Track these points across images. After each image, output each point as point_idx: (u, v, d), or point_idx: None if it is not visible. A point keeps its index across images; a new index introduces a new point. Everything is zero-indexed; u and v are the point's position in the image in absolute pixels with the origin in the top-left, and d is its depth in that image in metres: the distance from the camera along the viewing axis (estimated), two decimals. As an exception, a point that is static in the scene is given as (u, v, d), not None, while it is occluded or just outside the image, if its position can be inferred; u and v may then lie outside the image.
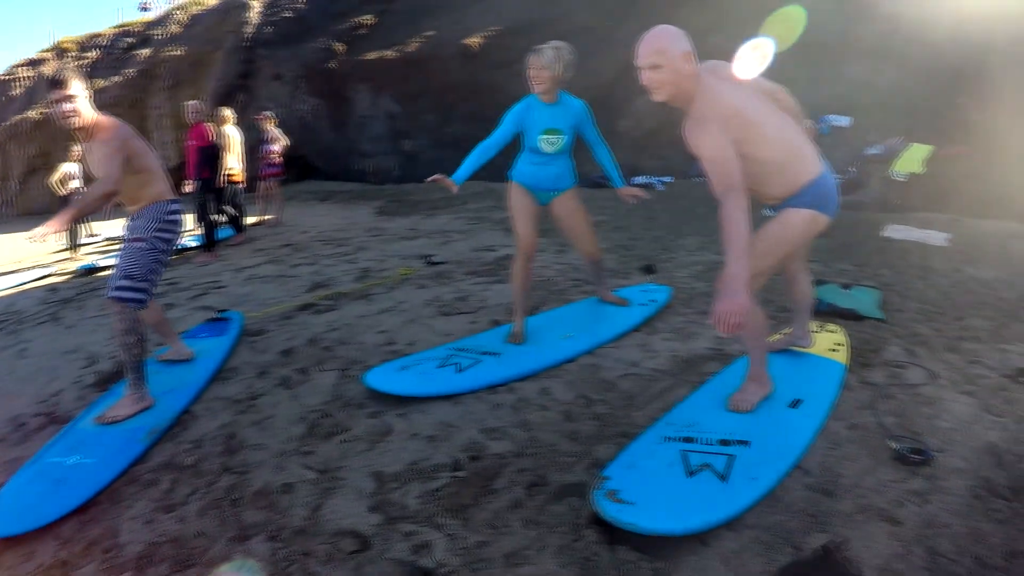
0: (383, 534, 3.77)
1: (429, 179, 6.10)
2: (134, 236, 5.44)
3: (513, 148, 6.29)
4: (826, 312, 6.95)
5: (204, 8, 30.92)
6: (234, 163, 13.50)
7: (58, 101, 5.11)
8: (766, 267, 4.50)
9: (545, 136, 6.06)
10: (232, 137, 13.54)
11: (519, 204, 6.31)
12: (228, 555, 3.67)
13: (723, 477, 3.94)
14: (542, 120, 6.05)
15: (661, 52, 4.09)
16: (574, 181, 6.52)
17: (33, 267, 14.06)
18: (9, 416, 5.82)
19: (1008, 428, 4.75)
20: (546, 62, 5.87)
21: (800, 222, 4.49)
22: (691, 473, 3.99)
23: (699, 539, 3.61)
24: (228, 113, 13.85)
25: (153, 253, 5.45)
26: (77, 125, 5.20)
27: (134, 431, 5.04)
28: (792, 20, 15.08)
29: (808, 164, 4.48)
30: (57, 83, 5.11)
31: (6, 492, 4.38)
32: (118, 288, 5.27)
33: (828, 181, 4.54)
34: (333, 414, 5.20)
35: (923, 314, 7.11)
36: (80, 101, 5.18)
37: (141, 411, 5.35)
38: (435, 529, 3.79)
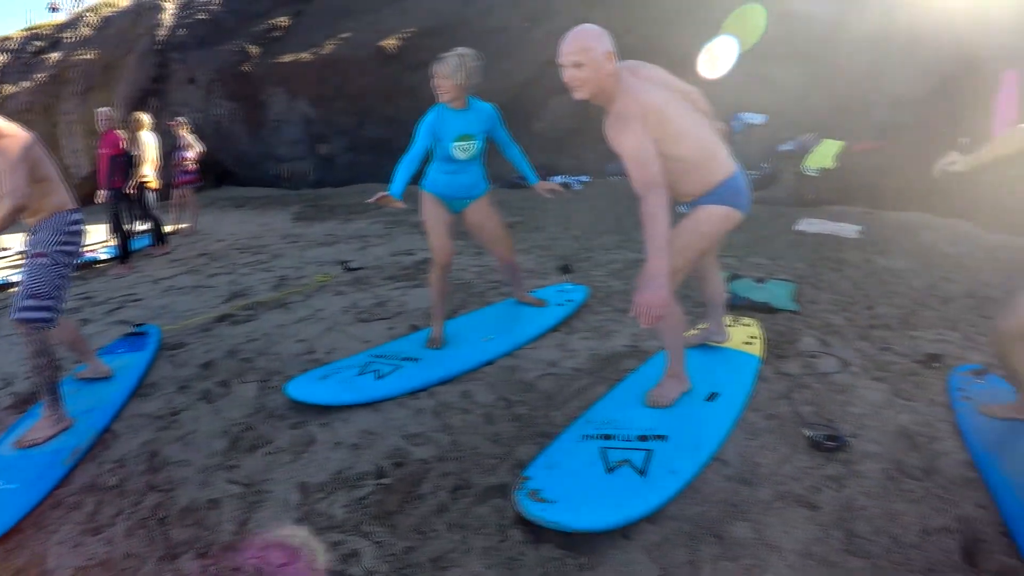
0: (311, 545, 3.79)
1: (372, 200, 6.04)
2: (36, 251, 5.24)
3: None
4: (741, 306, 7.10)
5: (116, 10, 30.29)
6: (148, 170, 13.29)
7: None
8: (684, 263, 4.61)
9: (458, 143, 6.09)
10: (148, 143, 13.35)
11: (433, 214, 6.34)
12: (159, 575, 3.67)
13: (642, 472, 4.04)
14: (455, 127, 6.07)
15: (584, 51, 4.17)
16: (487, 187, 6.58)
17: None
18: (-78, 443, 5.69)
19: (919, 411, 4.95)
20: (449, 71, 5.91)
21: (715, 219, 4.62)
22: (611, 469, 4.07)
23: (622, 533, 3.71)
24: (144, 118, 13.60)
25: (57, 268, 5.27)
26: None
27: (55, 453, 4.93)
28: (752, 19, 15.30)
29: (721, 162, 4.61)
30: None
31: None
32: (23, 309, 5.09)
33: (740, 179, 4.68)
34: (256, 427, 5.19)
35: (836, 305, 7.31)
36: None
37: (60, 432, 5.22)
38: (362, 537, 3.83)
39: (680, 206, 4.80)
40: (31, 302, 5.14)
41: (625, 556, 3.58)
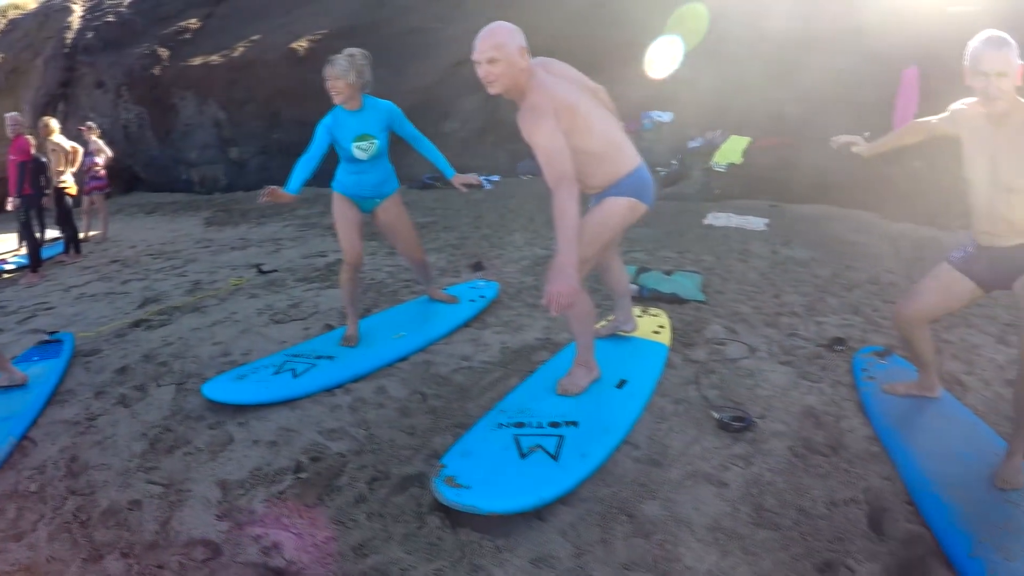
0: (233, 540, 3.85)
1: (261, 196, 6.02)
2: None
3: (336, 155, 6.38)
4: (649, 298, 7.26)
5: (23, 12, 29.62)
6: (67, 176, 13.11)
7: None
8: (591, 253, 4.74)
9: (358, 143, 6.14)
10: (66, 148, 13.17)
11: (342, 215, 6.40)
12: None
13: (554, 456, 4.16)
14: (352, 128, 6.12)
15: (499, 47, 4.26)
16: (396, 185, 6.66)
17: None
18: None
19: (824, 392, 5.18)
20: (339, 72, 5.94)
21: (621, 210, 4.76)
22: (524, 455, 4.19)
23: (536, 515, 3.84)
24: (53, 123, 13.39)
25: None
26: None
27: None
28: (694, 19, 15.49)
29: (627, 156, 4.77)
30: None
31: None
32: None
33: (644, 173, 4.82)
34: (174, 428, 5.20)
35: (743, 294, 7.52)
36: None
37: (-24, 441, 5.16)
38: (283, 530, 3.89)
39: (592, 200, 4.94)
40: None
41: (540, 537, 3.70)
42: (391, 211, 6.64)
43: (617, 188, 4.74)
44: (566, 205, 4.09)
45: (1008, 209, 3.95)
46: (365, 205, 6.49)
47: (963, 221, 4.34)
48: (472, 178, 6.69)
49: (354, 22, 20.85)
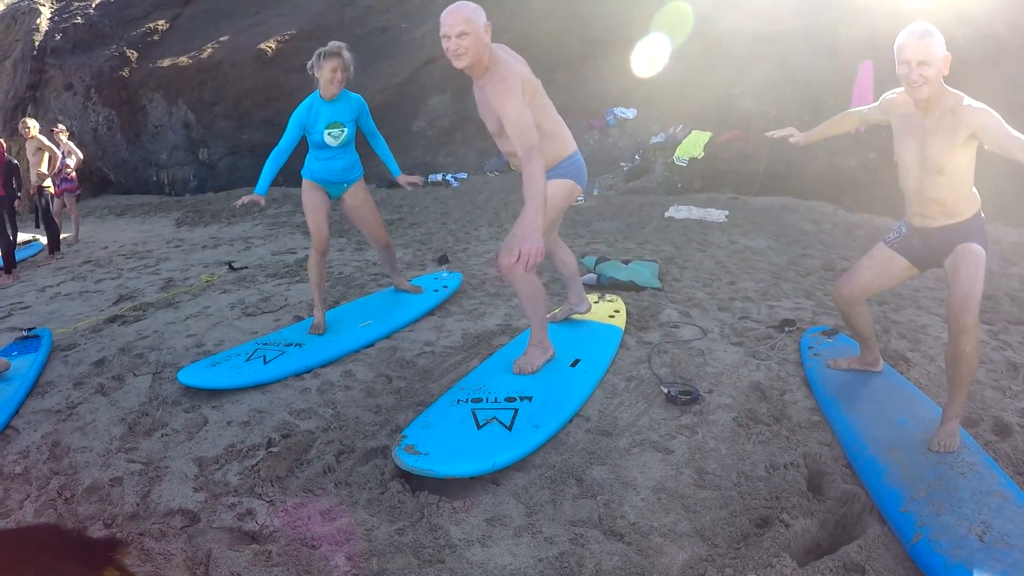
0: (210, 508, 4.07)
1: (237, 203, 6.52)
2: None
3: (304, 151, 6.62)
4: (607, 286, 7.53)
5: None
6: (48, 176, 13.27)
7: None
8: (548, 224, 5.03)
9: (329, 130, 6.43)
10: (52, 147, 13.35)
11: (311, 200, 6.66)
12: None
13: (508, 427, 4.44)
14: (324, 116, 6.42)
15: (468, 21, 4.54)
16: (362, 172, 6.92)
17: None
18: None
19: (772, 369, 5.48)
20: (347, 63, 6.32)
21: (562, 191, 5.12)
22: (480, 426, 4.46)
23: (492, 480, 4.12)
24: (32, 123, 13.48)
25: None
26: None
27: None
28: (679, 16, 15.69)
29: (568, 140, 5.13)
30: None
31: None
32: None
33: (580, 157, 5.19)
34: (151, 413, 5.40)
35: (699, 281, 7.80)
36: None
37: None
38: (256, 498, 4.14)
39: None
40: None
41: (495, 499, 3.97)
42: (358, 195, 6.92)
43: (558, 169, 5.07)
44: (538, 171, 4.43)
45: (936, 191, 4.25)
46: (333, 191, 6.76)
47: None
48: (415, 179, 7.06)
49: (321, 23, 20.98)
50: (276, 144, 6.41)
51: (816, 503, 3.87)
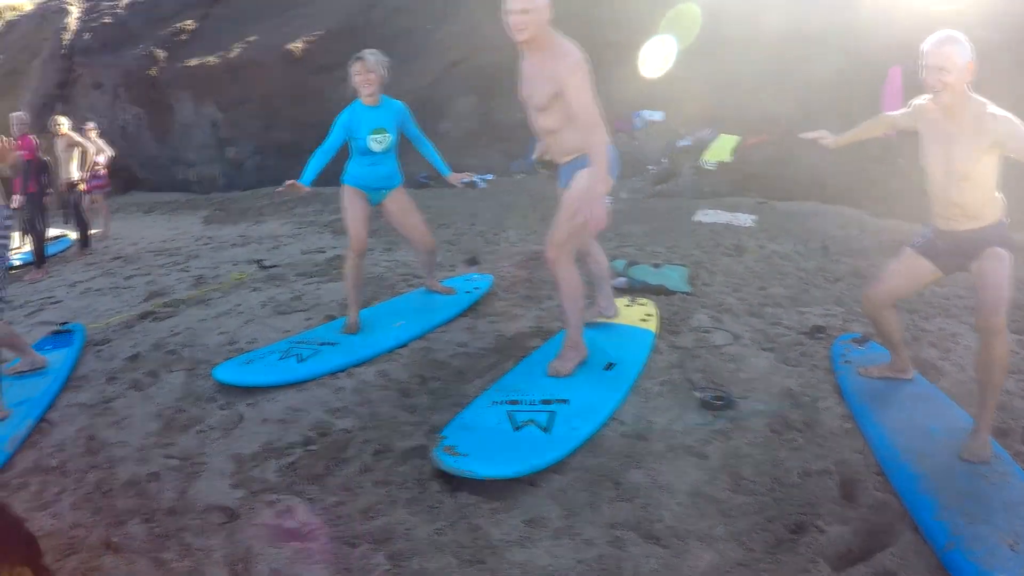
0: (248, 505, 4.12)
1: (279, 188, 6.57)
2: None
3: (342, 155, 6.66)
4: (638, 289, 7.52)
5: (20, 14, 29.66)
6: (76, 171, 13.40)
7: None
8: (582, 226, 5.08)
9: (373, 136, 6.48)
10: (85, 144, 13.49)
11: (353, 205, 6.69)
12: (106, 539, 3.91)
13: (546, 429, 4.47)
14: (369, 121, 6.49)
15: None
16: (402, 179, 6.95)
17: None
18: None
19: (803, 376, 5.46)
20: (372, 65, 6.37)
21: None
22: (517, 428, 4.51)
23: (529, 482, 4.14)
24: (64, 121, 13.58)
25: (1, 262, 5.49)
26: None
27: (-6, 441, 5.09)
28: (687, 18, 15.66)
29: (605, 130, 5.13)
30: None
31: None
32: None
33: (615, 150, 5.20)
34: (187, 409, 5.45)
35: (729, 286, 7.78)
36: None
37: (-1, 422, 5.37)
38: (295, 496, 4.17)
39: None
40: None
41: (533, 500, 4.00)
42: (401, 200, 6.98)
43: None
44: (602, 142, 4.77)
45: (961, 196, 4.28)
46: (374, 197, 6.78)
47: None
48: (466, 175, 7.10)
49: (348, 23, 21.00)
50: (305, 144, 6.48)
51: (849, 510, 3.88)
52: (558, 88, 4.83)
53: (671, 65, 15.38)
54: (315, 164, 6.47)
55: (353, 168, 6.72)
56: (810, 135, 5.41)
